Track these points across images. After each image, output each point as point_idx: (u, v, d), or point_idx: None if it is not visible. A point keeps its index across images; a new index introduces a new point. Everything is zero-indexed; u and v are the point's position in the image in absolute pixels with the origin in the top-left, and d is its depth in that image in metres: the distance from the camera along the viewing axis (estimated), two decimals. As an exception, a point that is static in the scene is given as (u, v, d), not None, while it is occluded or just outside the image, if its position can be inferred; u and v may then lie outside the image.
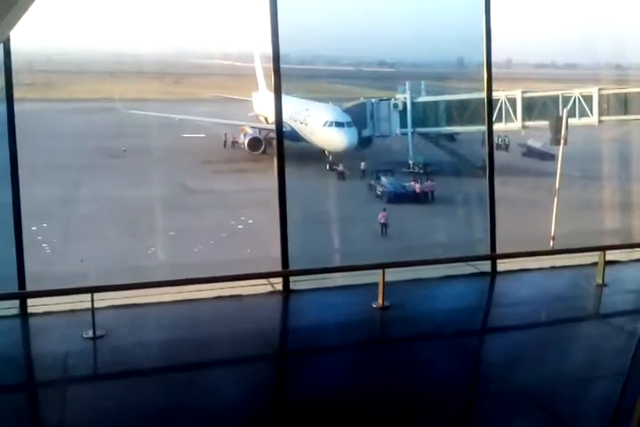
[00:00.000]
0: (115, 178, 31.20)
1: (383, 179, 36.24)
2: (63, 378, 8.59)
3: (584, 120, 38.32)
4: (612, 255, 12.89)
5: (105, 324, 9.82)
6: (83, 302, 10.01)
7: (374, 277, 11.04)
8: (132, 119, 42.02)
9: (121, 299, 10.65)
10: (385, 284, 10.94)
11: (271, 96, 12.63)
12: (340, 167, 38.24)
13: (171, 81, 63.19)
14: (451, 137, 45.54)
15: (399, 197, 33.69)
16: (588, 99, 38.48)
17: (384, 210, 29.26)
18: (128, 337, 9.87)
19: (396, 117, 43.43)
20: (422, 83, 46.65)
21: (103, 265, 19.44)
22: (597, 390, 8.76)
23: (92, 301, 9.71)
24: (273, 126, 14.72)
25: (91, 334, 9.60)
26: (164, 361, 9.14)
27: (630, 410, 8.11)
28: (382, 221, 28.52)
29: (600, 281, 12.27)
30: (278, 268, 11.69)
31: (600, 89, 38.68)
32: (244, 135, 42.63)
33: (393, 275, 11.36)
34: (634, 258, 13.86)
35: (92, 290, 9.88)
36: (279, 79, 11.97)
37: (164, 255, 22.15)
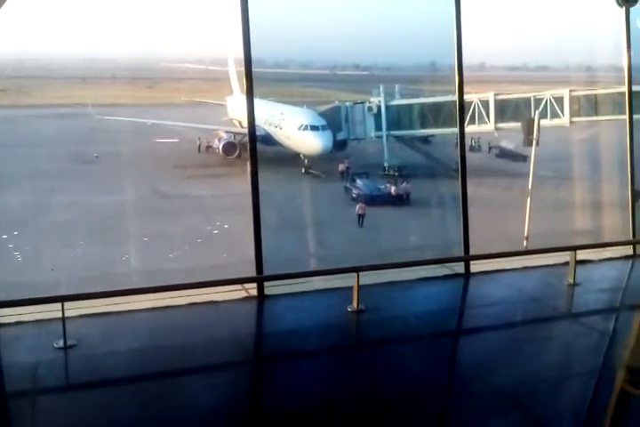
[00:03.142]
0: (87, 184, 30.85)
1: (359, 181, 36.35)
2: (33, 389, 8.42)
3: (556, 121, 38.86)
4: (583, 255, 13.04)
5: (77, 333, 9.65)
6: (54, 311, 9.84)
7: (351, 280, 11.02)
8: (104, 125, 41.66)
9: (93, 307, 10.48)
10: (360, 287, 10.93)
11: (244, 100, 12.58)
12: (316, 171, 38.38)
13: (143, 86, 62.78)
14: (425, 139, 45.90)
15: (375, 200, 33.81)
16: (560, 100, 39.04)
17: (361, 201, 30.78)
18: (100, 346, 9.70)
19: (370, 120, 43.61)
20: (396, 86, 46.94)
21: (76, 273, 19.19)
22: (571, 389, 8.84)
23: (63, 310, 9.55)
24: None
25: (62, 343, 9.43)
26: (137, 370, 9.02)
27: (604, 408, 8.26)
28: (360, 212, 30.13)
29: (572, 281, 12.41)
30: (254, 273, 11.61)
31: (571, 90, 39.26)
32: (219, 140, 42.48)
33: (368, 278, 11.37)
34: (604, 257, 14.04)
35: (63, 299, 9.71)
36: (251, 83, 11.93)
37: (138, 262, 21.92)
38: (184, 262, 20.90)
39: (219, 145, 41.86)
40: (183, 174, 36.27)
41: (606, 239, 21.09)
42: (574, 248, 12.75)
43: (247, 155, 12.39)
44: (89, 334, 9.95)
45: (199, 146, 44.19)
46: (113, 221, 25.77)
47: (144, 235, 24.56)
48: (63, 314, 9.53)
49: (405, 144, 44.75)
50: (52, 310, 9.82)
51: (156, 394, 8.36)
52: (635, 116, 14.64)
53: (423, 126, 43.61)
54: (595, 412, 8.20)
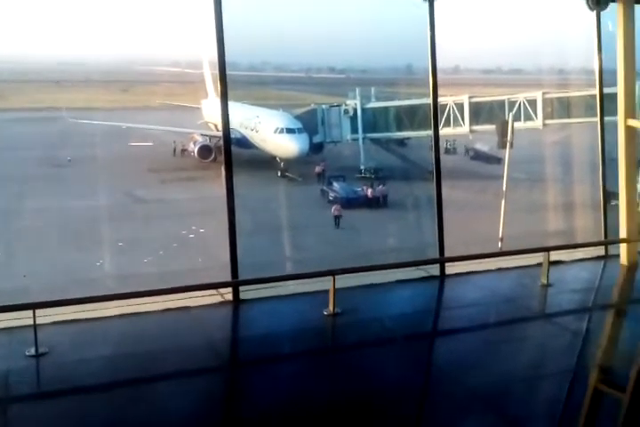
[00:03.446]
0: (60, 189, 30.43)
1: (335, 184, 36.43)
2: (4, 397, 8.26)
3: (529, 124, 39.34)
4: (556, 256, 13.20)
5: (48, 341, 9.50)
6: (26, 318, 9.67)
7: (327, 283, 11.00)
8: (77, 128, 41.17)
9: (66, 314, 10.32)
10: (336, 290, 10.92)
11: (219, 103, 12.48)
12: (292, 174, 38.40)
13: (118, 89, 62.22)
14: (401, 142, 46.15)
15: (351, 202, 33.90)
16: (533, 103, 39.53)
17: (337, 203, 31.08)
18: (72, 354, 9.55)
19: (346, 123, 43.72)
20: (372, 89, 47.15)
21: (48, 279, 18.90)
22: (546, 389, 8.92)
23: (34, 317, 9.39)
24: (223, 134, 14.57)
25: (33, 351, 9.26)
26: (109, 378, 8.88)
27: (578, 407, 8.36)
28: (336, 214, 30.45)
29: (545, 281, 12.55)
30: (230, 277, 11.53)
31: (544, 93, 39.78)
32: (194, 143, 42.30)
33: (344, 281, 11.36)
34: (577, 258, 14.23)
35: (35, 306, 9.55)
36: (225, 86, 11.86)
37: (113, 267, 21.67)
38: (159, 267, 20.71)
39: (194, 148, 41.69)
40: (158, 178, 36.00)
41: (579, 240, 21.40)
42: (547, 249, 12.90)
43: (223, 158, 12.30)
44: (61, 342, 9.80)
45: (174, 149, 43.94)
46: (87, 225, 25.48)
47: (118, 240, 24.31)
48: (35, 321, 9.37)
49: (381, 147, 44.95)
50: (23, 318, 9.66)
51: (129, 401, 8.25)
52: (606, 119, 14.85)
53: (399, 129, 43.85)
54: (569, 411, 8.31)
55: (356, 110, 43.64)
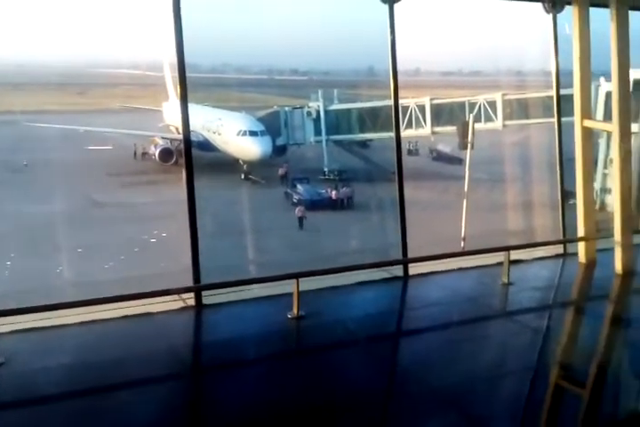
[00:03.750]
0: (16, 194, 29.67)
1: (299, 186, 36.41)
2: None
3: (489, 125, 39.99)
4: (516, 255, 13.38)
5: (6, 350, 9.22)
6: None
7: (291, 286, 10.92)
8: (34, 132, 40.25)
9: (24, 323, 10.03)
10: (300, 293, 10.86)
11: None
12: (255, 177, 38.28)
13: (76, 91, 61.10)
14: (364, 144, 46.40)
15: (316, 205, 33.92)
16: (493, 104, 40.20)
17: (300, 204, 31.40)
18: (31, 363, 9.28)
19: (309, 125, 43.78)
20: (334, 91, 47.29)
21: (5, 288, 18.36)
22: (508, 387, 9.02)
23: (-11, 327, 9.11)
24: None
25: (-11, 361, 8.96)
26: (69, 387, 8.64)
27: (540, 404, 8.48)
28: (299, 215, 30.55)
29: (505, 280, 12.72)
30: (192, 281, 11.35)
31: (503, 95, 40.49)
32: (155, 146, 41.82)
33: (309, 284, 11.31)
34: (536, 256, 14.46)
35: (-12, 315, 9.25)
36: (185, 89, 11.71)
37: (73, 274, 21.19)
38: (120, 273, 20.33)
39: (155, 151, 41.22)
40: (118, 182, 35.46)
41: (539, 238, 21.75)
42: (508, 249, 13.07)
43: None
44: (19, 351, 9.53)
45: (134, 153, 43.36)
46: (45, 231, 24.86)
47: (78, 245, 23.82)
48: (-11, 331, 9.08)
49: (344, 149, 45.14)
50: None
51: (90, 411, 8.04)
52: (563, 119, 15.14)
53: (362, 131, 44.09)
54: (531, 408, 8.41)
55: (318, 112, 43.74)
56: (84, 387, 8.65)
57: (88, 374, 8.90)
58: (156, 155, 40.91)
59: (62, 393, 8.47)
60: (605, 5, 12.70)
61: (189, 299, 11.27)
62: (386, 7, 12.86)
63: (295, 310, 10.80)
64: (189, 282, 11.34)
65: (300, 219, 30.65)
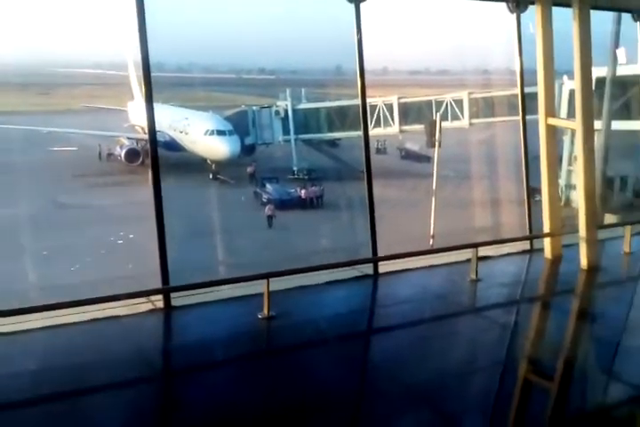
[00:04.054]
0: (-23, 197, 28.90)
1: (268, 186, 36.31)
2: None
3: (456, 123, 40.42)
4: (484, 251, 13.53)
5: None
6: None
7: (262, 287, 10.85)
8: (-6, 134, 39.28)
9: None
10: (270, 293, 10.80)
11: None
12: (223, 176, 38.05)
13: (38, 92, 59.91)
14: (332, 143, 46.49)
15: (285, 204, 33.88)
16: (459, 103, 40.64)
17: (270, 203, 31.60)
18: (-7, 370, 9.02)
19: (278, 125, 43.69)
20: (302, 90, 47.26)
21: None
22: (479, 382, 9.11)
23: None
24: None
25: (-52, 369, 8.70)
26: (35, 393, 8.43)
27: (510, 397, 8.59)
28: (269, 213, 30.72)
29: (474, 276, 12.85)
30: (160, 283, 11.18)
31: (469, 93, 40.96)
32: (121, 147, 41.28)
33: (279, 284, 11.25)
34: (503, 253, 14.63)
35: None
36: (150, 88, 11.52)
37: (38, 277, 20.74)
38: (87, 275, 19.94)
39: (121, 152, 40.68)
40: (84, 183, 34.91)
41: (506, 234, 22.04)
42: (476, 245, 13.20)
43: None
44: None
45: (99, 153, 42.73)
46: (8, 234, 24.25)
47: (43, 248, 23.35)
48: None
49: (313, 148, 45.16)
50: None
51: (58, 417, 7.86)
52: (528, 117, 15.33)
53: (330, 130, 44.17)
54: (502, 401, 8.52)
55: (287, 111, 43.68)
56: (48, 393, 8.45)
57: (53, 380, 8.69)
58: (122, 155, 40.38)
59: (27, 399, 8.27)
60: (568, 5, 12.90)
61: (158, 301, 11.11)
62: (352, 6, 12.87)
63: (266, 311, 10.74)
64: (156, 285, 11.17)
65: (270, 217, 30.71)
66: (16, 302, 10.62)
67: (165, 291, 11.09)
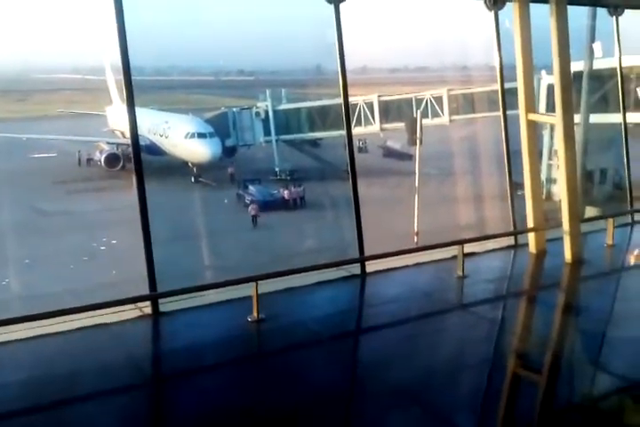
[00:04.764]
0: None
1: (251, 187, 36.28)
2: None
3: (436, 120, 40.62)
4: (469, 248, 13.59)
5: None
6: None
7: (250, 289, 10.81)
8: (-29, 141, 38.78)
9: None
10: (259, 296, 10.76)
11: (125, 109, 12.02)
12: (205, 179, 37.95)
13: (14, 98, 59.21)
14: (314, 143, 46.50)
15: (268, 205, 33.85)
16: (439, 100, 40.83)
17: (253, 203, 32.11)
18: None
19: (259, 126, 43.60)
20: (282, 90, 47.19)
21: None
22: (468, 379, 9.15)
23: None
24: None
25: None
26: (24, 404, 8.31)
27: (499, 393, 8.65)
28: (253, 213, 31.34)
29: (460, 273, 12.90)
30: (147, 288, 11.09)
31: (449, 90, 41.15)
32: (100, 152, 41.01)
33: (267, 286, 11.21)
34: (489, 249, 14.71)
35: None
36: (131, 91, 11.42)
37: (20, 286, 20.50)
38: (70, 283, 19.75)
39: (100, 157, 40.41)
40: (64, 190, 34.59)
41: (490, 230, 22.16)
42: (461, 242, 13.25)
43: (132, 166, 11.85)
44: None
45: (79, 159, 42.38)
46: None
47: (25, 256, 23.09)
48: None
49: (295, 148, 45.14)
50: None
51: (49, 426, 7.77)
52: (508, 113, 15.42)
53: (312, 130, 44.17)
54: (491, 395, 8.58)
55: (267, 112, 43.60)
56: (40, 403, 8.34)
57: (44, 390, 8.59)
58: (102, 160, 40.11)
59: (16, 410, 8.16)
60: (545, 1, 13.01)
61: (146, 307, 11.02)
62: (331, 7, 12.87)
63: (255, 314, 10.70)
64: (143, 291, 11.07)
65: (254, 217, 31.11)
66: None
67: (153, 297, 10.99)
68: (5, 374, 9.05)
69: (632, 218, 17.13)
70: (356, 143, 42.05)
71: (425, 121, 31.67)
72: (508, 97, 15.29)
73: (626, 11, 16.91)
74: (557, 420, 8.03)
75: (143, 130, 38.61)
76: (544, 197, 17.61)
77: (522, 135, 14.08)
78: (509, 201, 15.36)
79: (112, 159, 39.92)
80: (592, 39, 23.96)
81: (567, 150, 13.44)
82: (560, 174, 14.02)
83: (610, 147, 28.91)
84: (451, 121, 41.15)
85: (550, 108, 15.98)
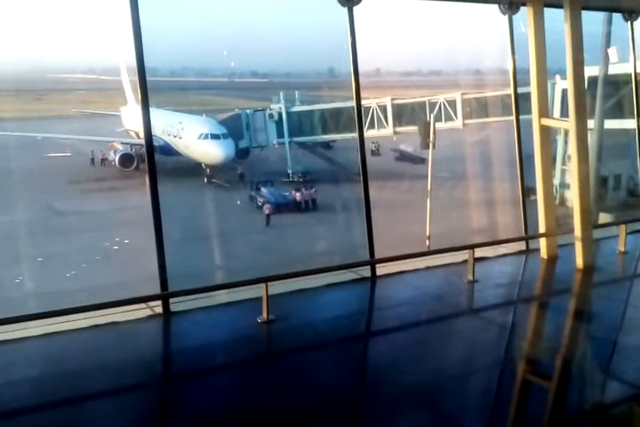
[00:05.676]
0: (-28, 204, 28.86)
1: (263, 189, 36.34)
2: None
3: (450, 124, 40.51)
4: (480, 252, 13.57)
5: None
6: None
7: (260, 291, 10.85)
8: (-11, 140, 39.22)
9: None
10: (269, 297, 10.81)
11: (140, 110, 12.12)
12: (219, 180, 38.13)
13: (31, 98, 59.78)
14: (327, 145, 46.53)
15: (280, 207, 33.92)
16: (453, 104, 40.71)
17: (267, 203, 33.07)
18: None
19: (272, 128, 43.67)
20: (296, 93, 47.28)
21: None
22: (478, 383, 9.13)
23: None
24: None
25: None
26: (38, 400, 8.41)
27: (509, 398, 8.63)
28: (267, 212, 32.31)
29: (471, 278, 12.87)
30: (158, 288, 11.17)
31: (462, 94, 41.04)
32: (115, 152, 41.28)
33: (277, 287, 11.26)
34: (500, 253, 14.67)
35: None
36: (146, 92, 11.52)
37: (34, 284, 20.68)
38: (83, 282, 19.91)
39: (115, 157, 40.68)
40: (78, 189, 34.83)
41: (502, 235, 22.10)
42: (472, 247, 13.23)
43: (145, 166, 11.94)
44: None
45: (92, 159, 42.73)
46: (3, 242, 24.22)
47: (39, 255, 23.30)
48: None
49: (308, 150, 45.18)
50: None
51: (61, 424, 7.85)
52: (521, 117, 15.38)
53: (324, 132, 44.18)
54: (501, 401, 8.55)
55: (280, 114, 43.68)
56: (52, 400, 8.44)
57: (56, 387, 8.68)
58: (116, 160, 40.37)
59: (29, 407, 8.26)
60: (559, 6, 12.99)
61: (157, 306, 11.10)
62: (345, 9, 12.92)
63: (265, 315, 10.75)
64: (154, 290, 11.15)
65: (268, 216, 32.02)
66: (11, 311, 10.62)
67: (164, 296, 11.07)
68: (19, 371, 9.16)
69: (645, 224, 17.02)
70: (368, 146, 42.08)
71: (438, 125, 31.57)
72: (522, 102, 15.26)
73: (641, 16, 16.82)
74: None
75: (157, 131, 38.86)
76: (557, 202, 17.57)
77: (535, 140, 14.03)
78: (521, 206, 15.31)
79: (126, 159, 40.18)
80: (607, 44, 23.86)
81: (580, 156, 13.39)
82: (573, 180, 13.97)
83: (624, 153, 28.73)
84: (464, 125, 41.03)
85: (565, 113, 15.93)
